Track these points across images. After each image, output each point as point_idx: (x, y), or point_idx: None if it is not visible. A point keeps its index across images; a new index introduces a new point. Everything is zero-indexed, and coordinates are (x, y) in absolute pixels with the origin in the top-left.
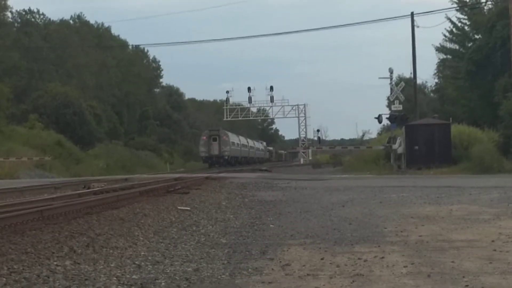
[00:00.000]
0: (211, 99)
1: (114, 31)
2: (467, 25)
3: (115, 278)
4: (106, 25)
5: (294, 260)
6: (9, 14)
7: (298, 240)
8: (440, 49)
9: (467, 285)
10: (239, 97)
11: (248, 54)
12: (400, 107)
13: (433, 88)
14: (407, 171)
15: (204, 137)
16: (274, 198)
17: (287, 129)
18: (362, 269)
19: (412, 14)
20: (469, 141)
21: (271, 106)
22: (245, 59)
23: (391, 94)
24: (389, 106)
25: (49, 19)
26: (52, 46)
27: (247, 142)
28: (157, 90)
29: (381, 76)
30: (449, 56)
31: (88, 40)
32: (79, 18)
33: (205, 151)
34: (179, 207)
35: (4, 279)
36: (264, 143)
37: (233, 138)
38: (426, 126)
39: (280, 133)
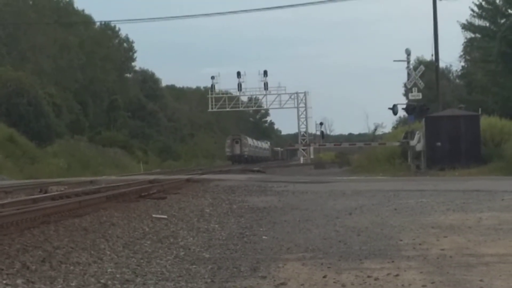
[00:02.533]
0: (193, 86)
1: (78, 4)
2: None
3: None
4: None
5: (291, 278)
6: None
7: (296, 254)
8: (467, 26)
9: None
10: (226, 84)
11: (237, 32)
12: (419, 96)
13: (459, 73)
14: (428, 172)
15: (229, 141)
16: (268, 204)
17: (284, 122)
18: None
19: None
20: (502, 136)
21: (265, 95)
22: (233, 39)
23: (408, 80)
24: (406, 94)
25: None
26: (2, 22)
27: (257, 143)
28: (128, 75)
29: (396, 59)
30: (477, 35)
31: (46, 15)
32: None
33: (229, 151)
34: (154, 215)
35: None
36: (269, 143)
37: (250, 141)
38: (450, 118)
39: (276, 126)
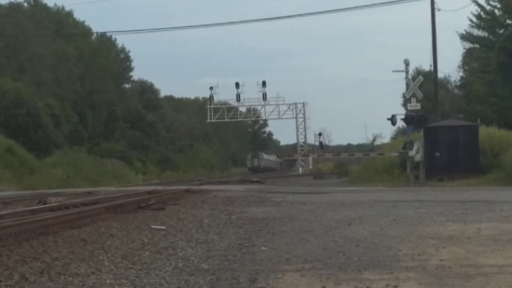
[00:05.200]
0: (192, 97)
1: (78, 15)
2: (498, 8)
3: None
4: (67, 8)
5: None
6: None
7: (294, 265)
8: (466, 37)
9: None
10: (225, 95)
11: (235, 43)
12: (418, 106)
13: (458, 83)
14: (426, 182)
15: (249, 156)
16: (266, 215)
17: (283, 133)
18: None
19: None
20: (501, 146)
21: (264, 105)
22: (232, 50)
23: (407, 90)
24: (404, 105)
25: None
26: (1, 34)
27: (269, 157)
28: (127, 86)
29: (395, 69)
30: (476, 45)
31: (45, 27)
32: (34, 1)
33: (250, 164)
34: (152, 226)
35: None
36: (275, 156)
37: (265, 156)
38: (449, 128)
39: (274, 137)
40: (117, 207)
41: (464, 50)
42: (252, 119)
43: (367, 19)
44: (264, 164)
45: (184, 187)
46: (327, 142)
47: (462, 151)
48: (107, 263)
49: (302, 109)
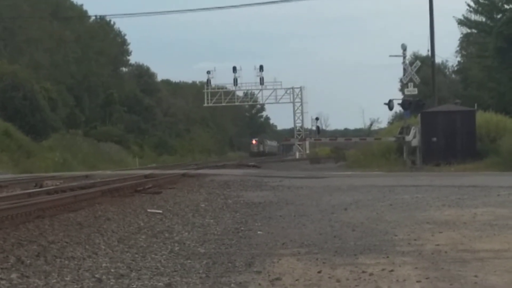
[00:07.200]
0: (189, 81)
1: None
2: None
3: None
4: None
5: (286, 273)
6: None
7: (291, 249)
8: (463, 22)
9: None
10: (222, 79)
11: (233, 27)
12: (415, 91)
13: (455, 68)
14: (423, 167)
15: (254, 142)
16: (263, 199)
17: (280, 117)
18: (367, 285)
19: None
20: (498, 131)
21: (261, 90)
22: (229, 34)
23: (404, 75)
24: (402, 89)
25: None
26: None
27: (271, 143)
28: (124, 69)
29: (392, 54)
30: (474, 31)
31: (42, 9)
32: None
33: (256, 149)
34: (149, 210)
35: None
36: (276, 141)
37: (268, 142)
38: (446, 113)
39: (271, 121)
40: (113, 191)
41: (462, 35)
42: (249, 103)
43: (365, 3)
44: (268, 149)
45: (181, 171)
46: (324, 127)
47: (459, 136)
48: (103, 247)
49: (299, 93)
